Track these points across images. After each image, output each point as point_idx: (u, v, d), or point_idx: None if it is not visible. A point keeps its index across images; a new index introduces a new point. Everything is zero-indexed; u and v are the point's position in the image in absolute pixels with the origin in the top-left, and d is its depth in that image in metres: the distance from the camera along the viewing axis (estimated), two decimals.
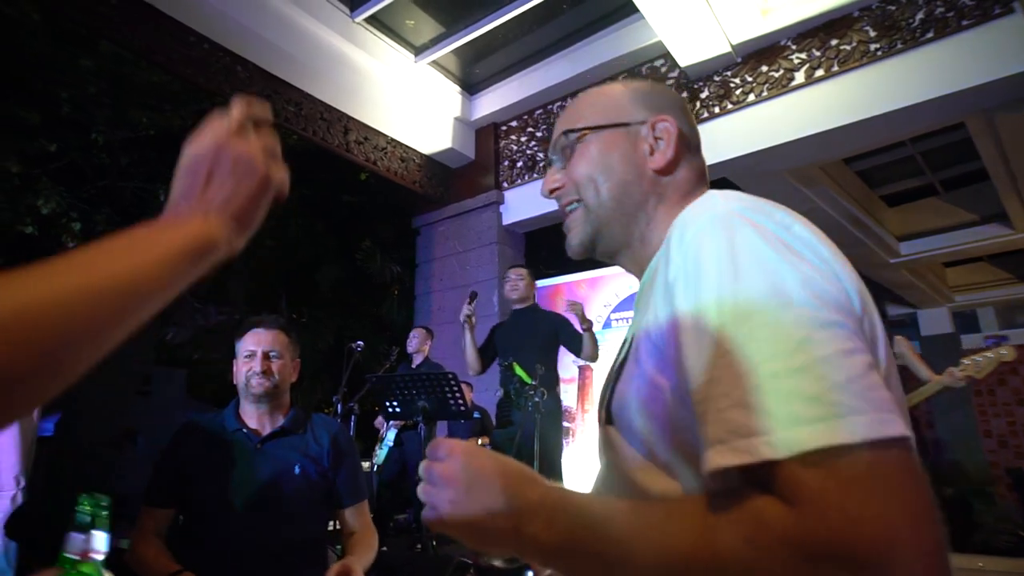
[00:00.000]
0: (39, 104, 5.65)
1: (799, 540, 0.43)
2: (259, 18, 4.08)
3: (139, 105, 5.99)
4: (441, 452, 0.59)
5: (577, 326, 3.47)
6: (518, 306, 3.77)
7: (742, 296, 0.52)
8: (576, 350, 3.46)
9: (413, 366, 4.74)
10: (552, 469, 3.30)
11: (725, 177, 4.74)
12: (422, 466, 0.60)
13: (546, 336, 3.54)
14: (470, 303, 3.58)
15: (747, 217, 0.60)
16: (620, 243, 0.79)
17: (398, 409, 3.00)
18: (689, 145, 0.79)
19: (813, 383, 0.46)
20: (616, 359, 0.77)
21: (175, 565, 1.63)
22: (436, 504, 0.57)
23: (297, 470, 1.78)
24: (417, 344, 4.77)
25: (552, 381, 3.44)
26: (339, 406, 4.34)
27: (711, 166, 4.62)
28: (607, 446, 0.73)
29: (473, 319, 3.58)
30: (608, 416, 0.72)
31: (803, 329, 0.49)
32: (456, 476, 0.57)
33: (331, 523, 1.97)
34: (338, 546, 2.02)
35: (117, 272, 0.43)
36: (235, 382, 1.85)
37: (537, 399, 2.98)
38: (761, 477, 0.46)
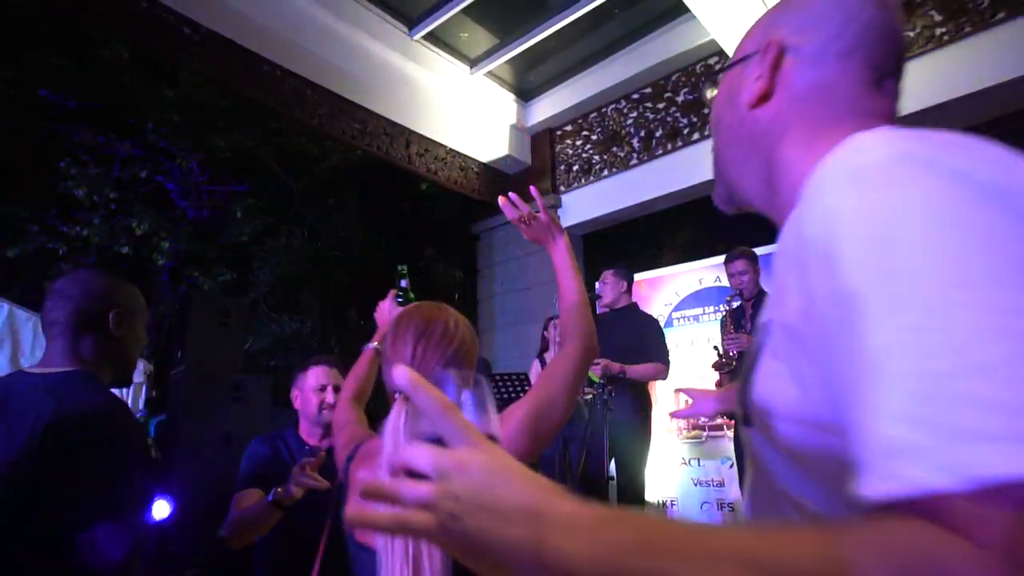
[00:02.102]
0: (130, 134, 6.15)
1: (989, 548, 0.32)
2: (325, 43, 4.33)
3: (216, 130, 6.42)
4: (455, 438, 0.45)
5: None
6: (613, 307, 3.77)
7: (901, 277, 0.39)
8: (651, 359, 3.41)
9: None
10: (629, 474, 3.31)
11: None
12: (416, 451, 0.45)
13: (634, 339, 3.50)
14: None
15: (906, 168, 0.44)
16: (749, 195, 0.69)
17: None
18: (808, 57, 0.62)
19: (1002, 388, 0.34)
20: (752, 345, 0.65)
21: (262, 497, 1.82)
22: (442, 501, 0.42)
23: None
24: None
25: (632, 383, 3.40)
26: None
27: None
28: (749, 451, 0.62)
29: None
30: (746, 415, 0.60)
31: (988, 316, 0.36)
32: (478, 469, 0.43)
33: None
34: None
35: None
36: (298, 407, 2.06)
37: (605, 398, 3.07)
38: (929, 507, 0.34)
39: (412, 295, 1.69)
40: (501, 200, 1.46)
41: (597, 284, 3.86)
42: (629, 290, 3.81)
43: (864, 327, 0.39)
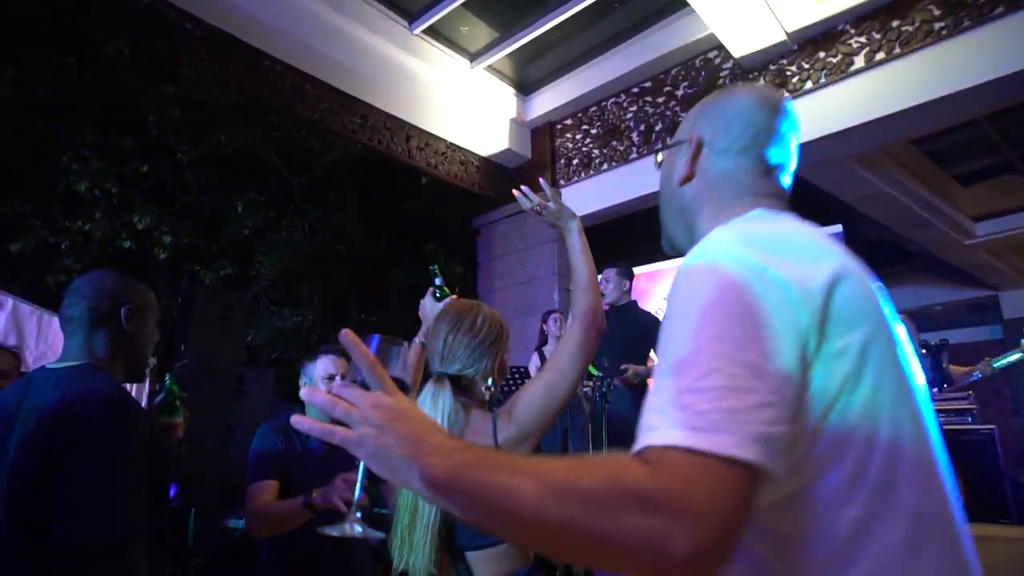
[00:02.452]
0: (131, 130, 6.17)
1: (642, 489, 0.54)
2: (325, 38, 4.34)
3: (217, 125, 6.44)
4: (377, 380, 0.69)
5: None
6: (615, 305, 3.81)
7: (694, 328, 0.62)
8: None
9: None
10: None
11: None
12: (353, 392, 0.68)
13: (636, 337, 3.56)
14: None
15: (721, 267, 0.65)
16: (683, 249, 0.88)
17: None
18: (717, 150, 0.84)
19: (712, 403, 0.57)
20: None
21: (295, 500, 1.84)
22: (362, 414, 0.65)
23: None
24: None
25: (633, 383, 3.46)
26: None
27: None
28: None
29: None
30: None
31: (716, 362, 0.58)
32: (388, 407, 0.65)
33: None
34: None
35: None
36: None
37: (604, 390, 3.13)
38: (645, 455, 0.57)
39: (447, 290, 1.80)
40: (515, 192, 1.67)
41: (599, 280, 3.87)
42: (630, 289, 3.85)
43: (662, 359, 0.64)
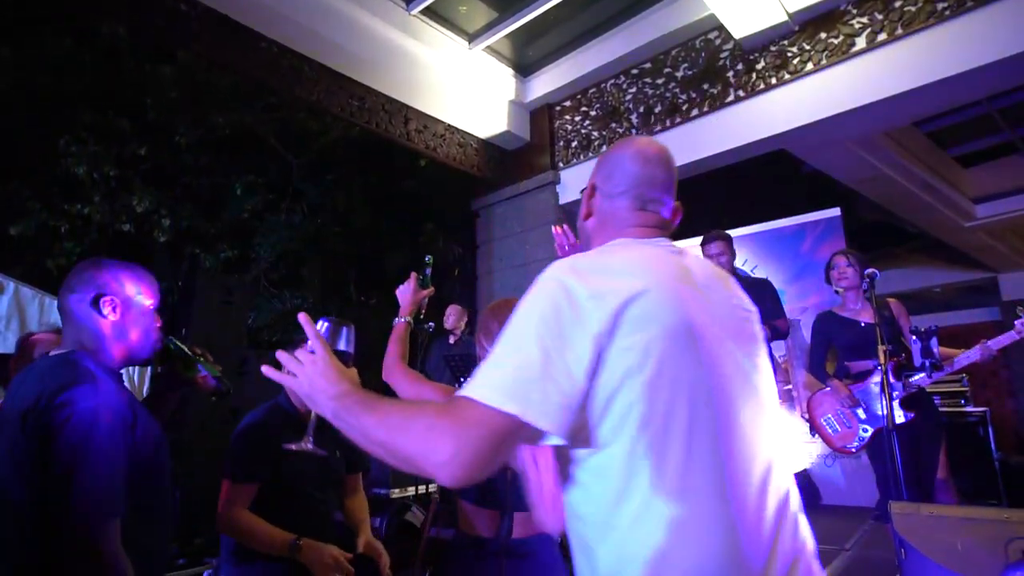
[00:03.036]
0: (128, 111, 6.14)
1: (431, 420, 0.82)
2: (323, 19, 4.31)
3: (215, 107, 6.40)
4: (317, 347, 1.03)
5: None
6: None
7: (515, 324, 0.88)
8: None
9: (450, 342, 5.00)
10: None
11: (784, 149, 4.68)
12: (301, 353, 1.03)
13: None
14: None
15: (552, 282, 0.89)
16: None
17: None
18: (604, 194, 1.09)
19: (502, 372, 0.83)
20: None
21: (285, 533, 1.88)
22: (303, 369, 1.01)
23: (338, 452, 2.16)
24: (454, 321, 5.04)
25: None
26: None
27: (769, 138, 4.53)
28: None
29: None
30: None
31: (529, 343, 0.83)
32: (325, 360, 1.01)
33: None
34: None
35: None
36: None
37: None
38: (455, 399, 0.85)
39: (430, 282, 1.91)
40: (555, 229, 1.86)
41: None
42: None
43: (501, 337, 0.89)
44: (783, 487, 0.92)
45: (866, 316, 3.04)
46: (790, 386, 5.26)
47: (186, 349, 1.66)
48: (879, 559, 3.16)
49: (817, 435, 3.31)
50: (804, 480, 4.93)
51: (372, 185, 7.85)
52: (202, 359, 1.68)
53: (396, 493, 4.03)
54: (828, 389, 3.15)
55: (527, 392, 0.80)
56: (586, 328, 0.83)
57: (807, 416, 3.36)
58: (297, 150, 7.32)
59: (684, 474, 0.81)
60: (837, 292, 3.25)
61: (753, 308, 1.05)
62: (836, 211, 5.33)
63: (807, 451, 5.09)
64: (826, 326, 3.25)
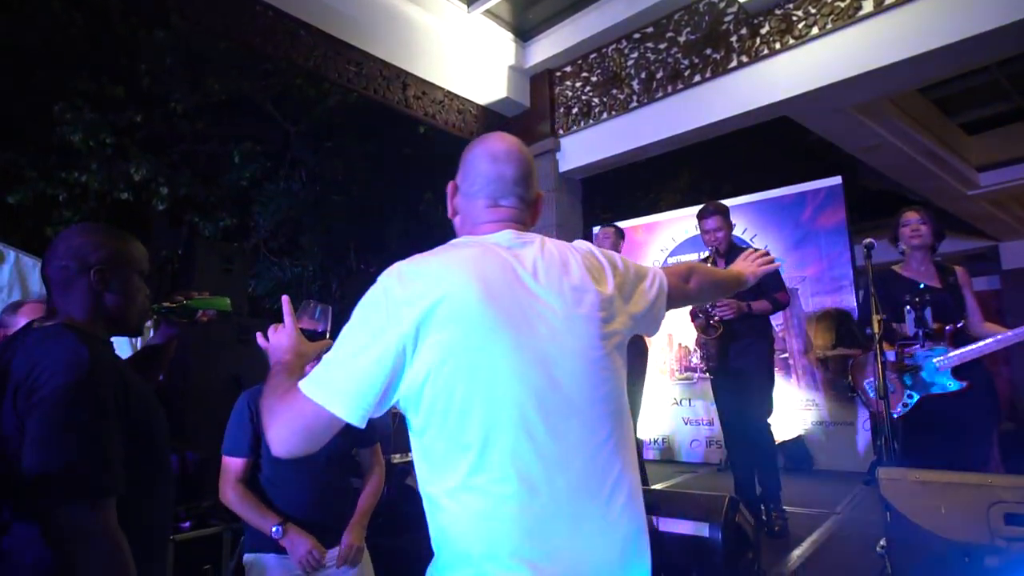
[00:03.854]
0: (123, 79, 6.05)
1: (281, 400, 0.99)
2: None
3: (210, 73, 6.30)
4: (287, 322, 1.18)
5: None
6: None
7: (348, 324, 0.98)
8: None
9: None
10: (630, 407, 3.41)
11: (786, 116, 4.63)
12: (272, 332, 1.18)
13: None
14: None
15: (379, 287, 0.98)
16: None
17: None
18: (463, 193, 1.16)
19: (328, 367, 0.95)
20: None
21: (270, 514, 1.97)
22: (273, 343, 1.15)
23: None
24: None
25: None
26: None
27: (772, 105, 4.47)
28: None
29: None
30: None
31: (349, 340, 0.96)
32: (292, 336, 1.16)
33: None
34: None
35: None
36: None
37: None
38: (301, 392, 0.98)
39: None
40: None
41: (597, 237, 3.85)
42: (620, 247, 3.90)
43: None
44: (608, 469, 0.96)
45: (929, 279, 2.93)
46: (786, 355, 5.30)
47: (174, 306, 1.59)
48: (867, 522, 3.24)
49: (860, 398, 3.30)
50: (798, 446, 5.01)
51: (371, 153, 7.78)
52: (198, 300, 1.61)
53: (397, 459, 4.11)
54: (872, 353, 3.10)
55: (330, 384, 0.94)
56: (396, 328, 0.92)
57: (850, 378, 3.31)
58: (295, 117, 7.24)
59: (483, 464, 0.90)
60: (902, 252, 3.03)
61: (597, 287, 1.05)
62: (837, 179, 5.29)
63: (801, 418, 5.16)
64: (884, 285, 3.01)
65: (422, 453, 0.97)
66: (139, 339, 5.13)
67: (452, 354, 0.91)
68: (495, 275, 0.98)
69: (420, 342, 0.92)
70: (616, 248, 3.57)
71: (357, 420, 0.93)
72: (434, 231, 7.45)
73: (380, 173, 7.94)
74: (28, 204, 5.91)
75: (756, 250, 1.65)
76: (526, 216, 1.15)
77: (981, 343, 2.69)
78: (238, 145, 7.07)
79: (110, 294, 1.30)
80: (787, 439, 5.05)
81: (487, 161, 1.12)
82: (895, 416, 3.09)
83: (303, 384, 0.95)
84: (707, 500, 2.21)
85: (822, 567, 2.54)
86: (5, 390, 1.13)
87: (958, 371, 2.72)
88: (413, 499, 2.92)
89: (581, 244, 1.16)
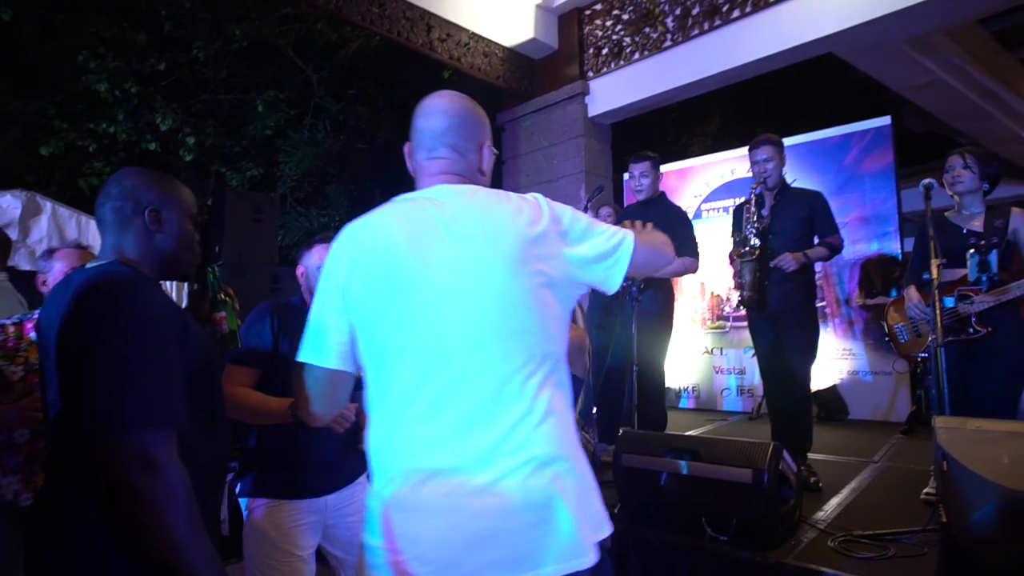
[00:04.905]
0: (144, 25, 5.96)
1: (295, 374, 1.18)
2: None
3: (230, 18, 6.16)
4: None
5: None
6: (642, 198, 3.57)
7: None
8: (682, 254, 3.26)
9: None
10: (648, 360, 3.34)
11: (832, 52, 4.37)
12: None
13: (666, 232, 3.39)
14: (591, 198, 3.48)
15: (333, 250, 1.14)
16: None
17: None
18: (410, 153, 1.24)
19: (308, 329, 1.11)
20: None
21: (280, 399, 1.78)
22: None
23: None
24: None
25: (657, 279, 3.35)
26: None
27: (816, 41, 4.23)
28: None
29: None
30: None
31: (314, 308, 1.13)
32: None
33: None
34: None
35: None
36: (301, 282, 2.04)
37: (635, 290, 3.12)
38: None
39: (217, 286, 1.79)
40: None
41: (634, 171, 3.62)
42: (659, 180, 3.67)
43: None
44: (516, 398, 1.01)
45: (978, 224, 2.79)
46: (823, 303, 5.18)
47: (219, 286, 1.68)
48: (908, 470, 3.18)
49: (890, 341, 3.24)
50: (833, 395, 4.94)
51: (395, 99, 7.62)
52: (228, 304, 1.67)
53: None
54: (902, 296, 3.04)
55: (319, 345, 1.09)
56: (338, 287, 1.09)
57: (885, 322, 3.26)
58: (317, 63, 7.08)
59: (392, 396, 1.05)
60: (953, 197, 2.88)
61: (523, 231, 1.07)
62: (886, 119, 5.02)
63: (836, 367, 5.08)
64: (925, 232, 2.81)
65: (367, 387, 1.11)
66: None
67: (368, 306, 1.06)
68: (412, 227, 1.08)
69: (350, 296, 1.07)
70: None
71: (351, 368, 1.11)
72: None
73: (405, 121, 7.82)
74: (60, 156, 5.94)
75: (645, 225, 1.60)
76: (462, 166, 1.19)
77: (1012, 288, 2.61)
78: (261, 94, 6.96)
79: (162, 235, 1.31)
80: (822, 388, 4.98)
81: (420, 117, 1.22)
82: (919, 359, 2.99)
83: (301, 355, 1.11)
84: (751, 447, 2.18)
85: (863, 514, 2.50)
86: (51, 328, 1.13)
87: (984, 316, 2.65)
88: None
89: (528, 195, 1.15)
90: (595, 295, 3.62)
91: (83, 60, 5.72)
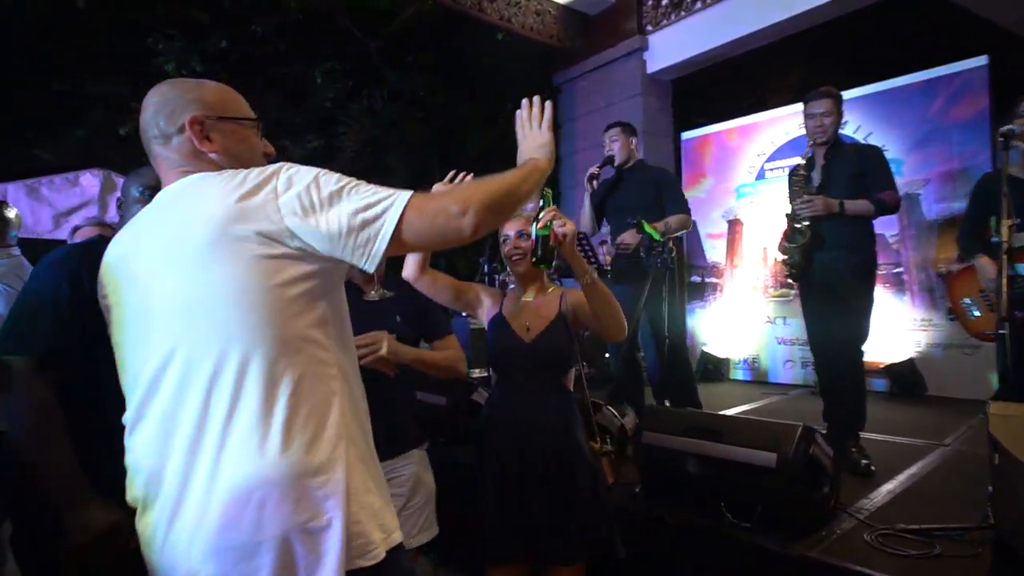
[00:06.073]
0: (206, 3, 6.16)
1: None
2: None
3: None
4: None
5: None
6: (623, 167, 3.55)
7: None
8: (674, 211, 3.33)
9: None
10: (676, 325, 3.36)
11: None
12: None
13: (650, 194, 3.40)
14: (600, 167, 3.48)
15: None
16: None
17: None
18: None
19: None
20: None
21: None
22: None
23: (398, 319, 2.01)
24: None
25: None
26: (486, 267, 4.68)
27: None
28: None
29: (595, 183, 3.48)
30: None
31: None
32: None
33: None
34: None
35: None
36: None
37: (666, 255, 3.01)
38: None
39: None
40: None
41: (604, 138, 3.56)
42: (637, 146, 3.59)
43: None
44: (191, 404, 0.96)
45: None
46: (900, 268, 4.74)
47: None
48: (980, 458, 2.87)
49: (958, 320, 2.93)
50: (908, 369, 4.56)
51: (449, 64, 7.54)
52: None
53: (476, 373, 4.20)
54: (973, 266, 2.71)
55: None
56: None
57: (948, 297, 2.92)
58: (373, 31, 7.10)
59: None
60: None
61: (209, 210, 0.98)
62: (982, 59, 4.45)
63: (913, 339, 4.67)
64: (987, 188, 2.63)
65: None
66: None
67: (108, 311, 1.12)
68: (137, 224, 1.10)
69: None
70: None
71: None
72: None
73: (460, 87, 7.72)
74: (135, 136, 6.27)
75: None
76: (173, 153, 1.11)
77: None
78: (319, 65, 7.06)
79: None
80: (895, 362, 4.60)
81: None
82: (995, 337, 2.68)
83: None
84: (778, 428, 2.02)
85: (916, 505, 2.26)
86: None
87: None
88: (475, 414, 2.95)
89: (232, 173, 1.03)
90: (620, 259, 3.45)
91: (152, 42, 6.01)
